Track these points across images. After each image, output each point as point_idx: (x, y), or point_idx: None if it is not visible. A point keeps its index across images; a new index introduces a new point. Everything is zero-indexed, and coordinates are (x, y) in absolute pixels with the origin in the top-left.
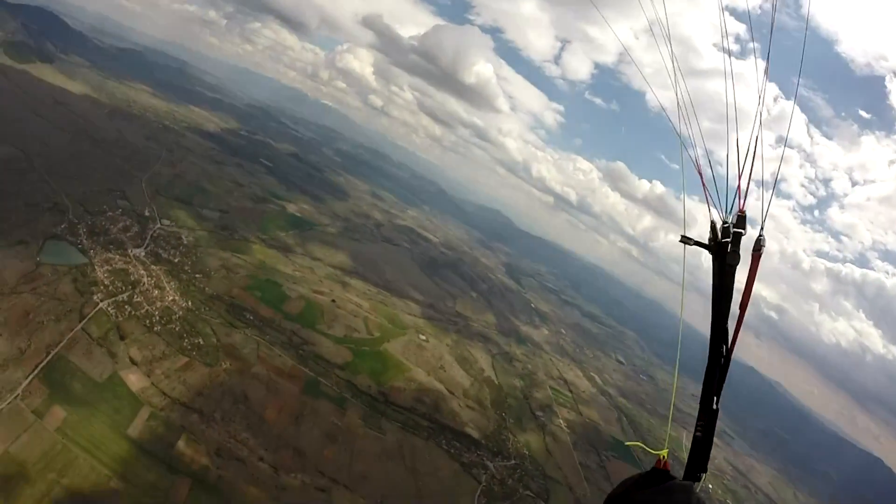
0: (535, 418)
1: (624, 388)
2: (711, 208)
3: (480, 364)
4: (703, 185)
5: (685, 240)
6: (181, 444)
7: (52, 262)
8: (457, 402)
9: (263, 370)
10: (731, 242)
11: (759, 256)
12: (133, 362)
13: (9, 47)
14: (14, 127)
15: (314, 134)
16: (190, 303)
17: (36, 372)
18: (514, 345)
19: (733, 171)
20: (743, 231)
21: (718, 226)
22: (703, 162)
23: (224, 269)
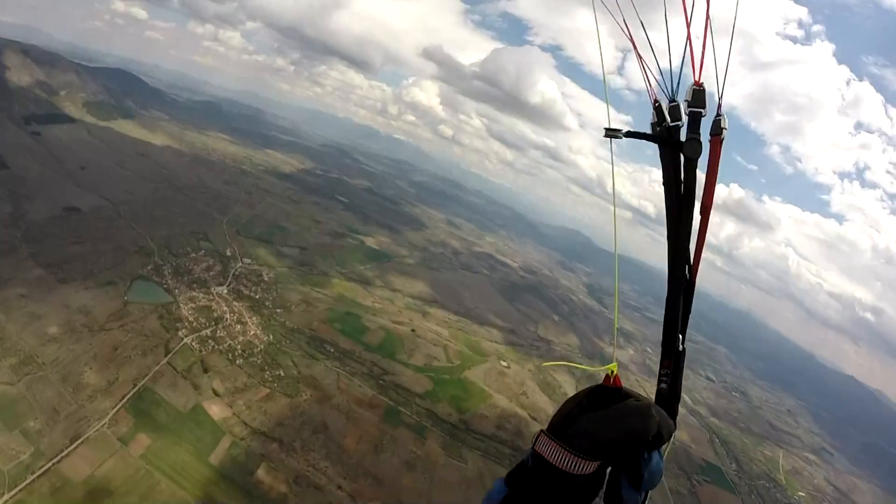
0: None
1: (715, 406)
2: (652, 83)
3: (564, 388)
4: (636, 49)
5: (611, 133)
6: (261, 472)
7: (139, 300)
8: (540, 428)
9: (343, 400)
10: (689, 126)
11: (721, 142)
12: (216, 394)
13: (92, 107)
14: (101, 179)
15: (388, 168)
16: (271, 336)
17: (123, 402)
18: (599, 367)
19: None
20: (703, 111)
21: (665, 106)
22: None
23: (304, 303)
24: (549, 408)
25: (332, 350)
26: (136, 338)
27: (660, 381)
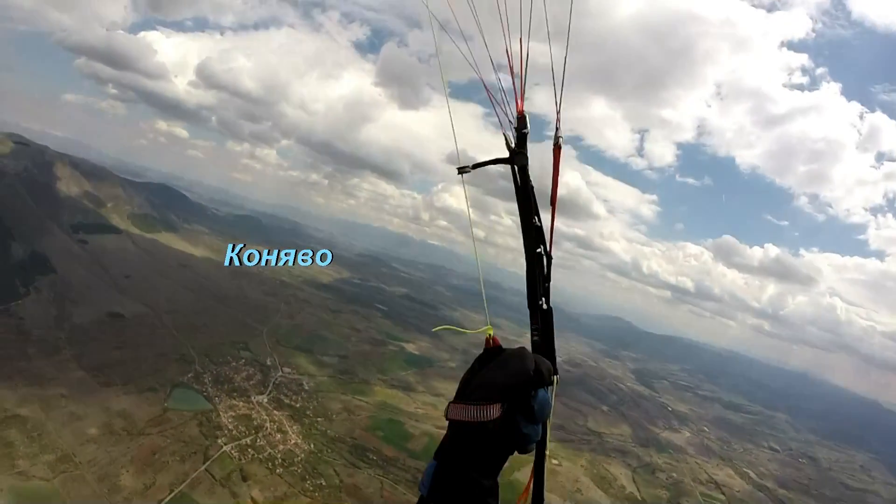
0: None
1: (782, 477)
2: (503, 120)
3: (620, 481)
4: (489, 94)
5: (462, 170)
6: None
7: (179, 407)
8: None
9: None
10: (518, 143)
11: (560, 149)
12: (255, 502)
13: (136, 219)
14: (144, 287)
15: (424, 273)
16: (312, 445)
17: None
18: (655, 454)
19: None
20: (526, 130)
21: (511, 136)
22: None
23: (345, 411)
24: (605, 502)
25: (374, 458)
26: (174, 443)
27: (533, 335)
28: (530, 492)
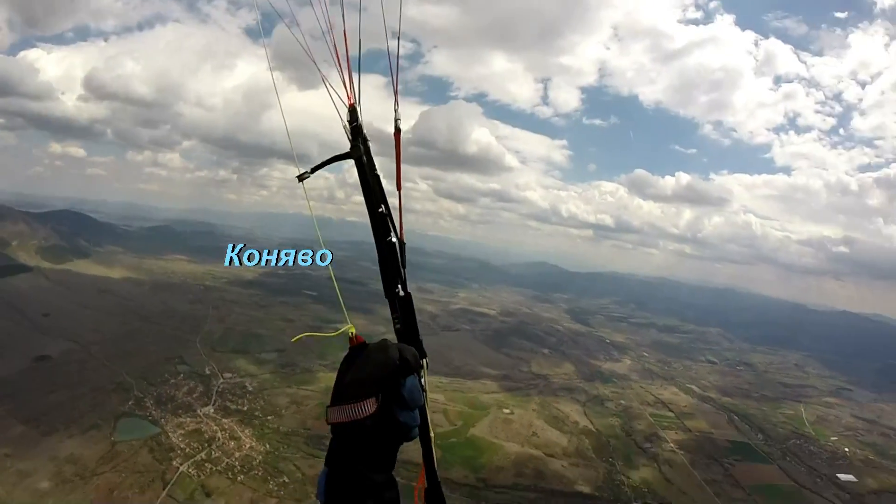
0: (644, 451)
1: (724, 386)
2: (340, 113)
3: (573, 417)
4: (328, 88)
5: (302, 176)
6: None
7: (127, 438)
8: (559, 464)
9: None
10: (352, 136)
11: (399, 132)
12: None
13: (45, 252)
14: (66, 322)
15: (348, 252)
16: (268, 445)
17: None
18: (601, 386)
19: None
20: (357, 122)
21: (348, 131)
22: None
23: (294, 404)
24: (563, 441)
25: None
26: (130, 476)
27: (395, 324)
28: (425, 478)
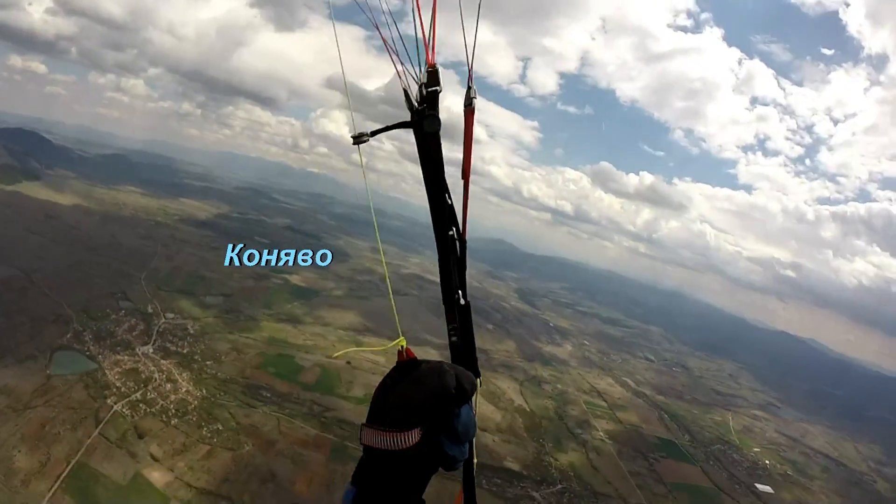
0: (574, 436)
1: (658, 384)
2: (402, 73)
3: (509, 394)
4: (384, 41)
5: (358, 139)
6: None
7: (63, 372)
8: (490, 438)
9: (287, 445)
10: (428, 104)
11: (472, 112)
12: (154, 459)
13: None
14: (9, 247)
15: (306, 203)
16: (204, 391)
17: (59, 483)
18: (540, 367)
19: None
20: (438, 88)
21: (413, 92)
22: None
23: (234, 351)
24: (496, 416)
25: (268, 395)
26: (63, 412)
27: (451, 336)
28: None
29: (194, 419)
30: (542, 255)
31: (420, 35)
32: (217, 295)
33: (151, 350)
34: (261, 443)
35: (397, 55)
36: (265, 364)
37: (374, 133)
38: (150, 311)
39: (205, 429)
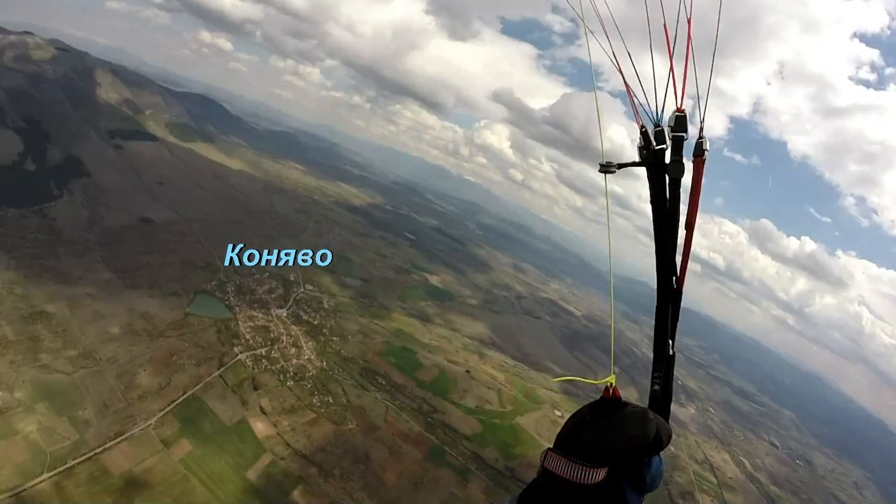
0: None
1: (776, 473)
2: (639, 111)
3: None
4: (624, 79)
5: (605, 168)
6: (296, 493)
7: (200, 313)
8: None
9: (389, 433)
10: (672, 149)
11: (703, 162)
12: (262, 411)
13: (174, 128)
14: (177, 195)
15: (457, 208)
16: (325, 363)
17: (171, 407)
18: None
19: (662, 62)
20: (684, 135)
21: (651, 131)
22: (621, 53)
23: (361, 333)
24: None
25: (383, 383)
26: (192, 348)
27: (653, 384)
28: None
29: (308, 386)
30: (684, 307)
31: (667, 75)
32: (356, 278)
33: (285, 314)
34: (364, 425)
35: (635, 98)
36: (387, 353)
37: (621, 165)
38: (291, 278)
39: (316, 397)
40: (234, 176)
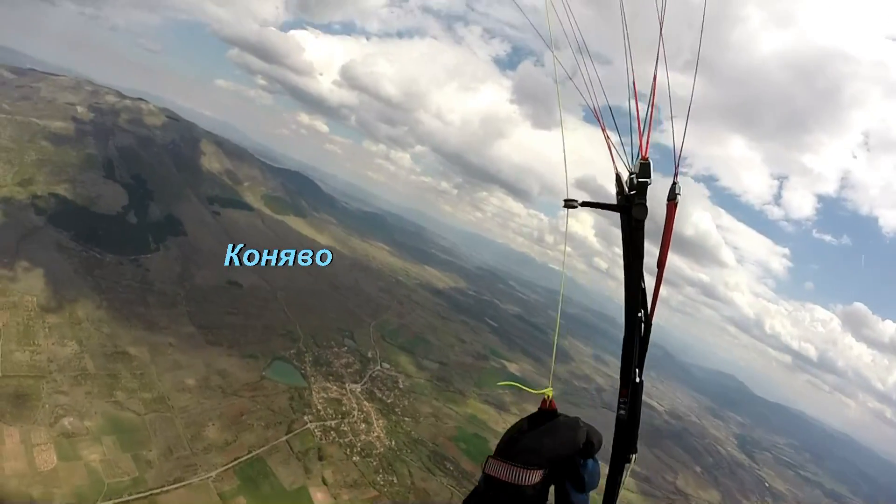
0: None
1: None
2: (616, 160)
3: None
4: (604, 130)
5: (569, 203)
6: None
7: (276, 378)
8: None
9: None
10: (637, 194)
11: (675, 206)
12: (324, 482)
13: (269, 200)
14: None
15: (540, 296)
16: (393, 442)
17: (234, 463)
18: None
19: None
20: (648, 180)
21: (625, 178)
22: (601, 103)
23: (434, 416)
24: None
25: (451, 468)
26: (263, 410)
27: (619, 409)
28: None
29: (374, 463)
30: (775, 401)
31: (637, 126)
32: (434, 361)
33: (359, 389)
34: None
35: (612, 145)
36: (458, 438)
37: (584, 203)
38: (369, 355)
39: (380, 476)
40: (322, 250)
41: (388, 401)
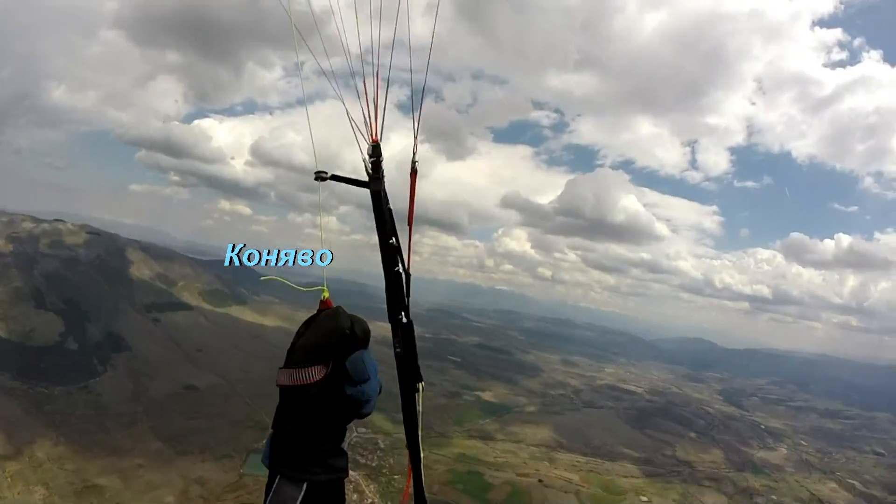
0: None
1: (891, 482)
2: (360, 144)
3: None
4: (350, 117)
5: (319, 176)
6: None
7: (255, 472)
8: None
9: None
10: (373, 169)
11: (416, 175)
12: None
13: (207, 295)
14: (217, 359)
15: (495, 320)
16: (390, 503)
17: None
18: (751, 477)
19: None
20: (380, 158)
21: (368, 165)
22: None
23: (423, 466)
24: None
25: None
26: None
27: (395, 347)
28: (411, 489)
29: None
30: (745, 348)
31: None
32: None
33: None
34: None
35: (356, 130)
36: (454, 480)
37: (333, 177)
38: None
39: None
40: (271, 333)
41: (373, 464)
